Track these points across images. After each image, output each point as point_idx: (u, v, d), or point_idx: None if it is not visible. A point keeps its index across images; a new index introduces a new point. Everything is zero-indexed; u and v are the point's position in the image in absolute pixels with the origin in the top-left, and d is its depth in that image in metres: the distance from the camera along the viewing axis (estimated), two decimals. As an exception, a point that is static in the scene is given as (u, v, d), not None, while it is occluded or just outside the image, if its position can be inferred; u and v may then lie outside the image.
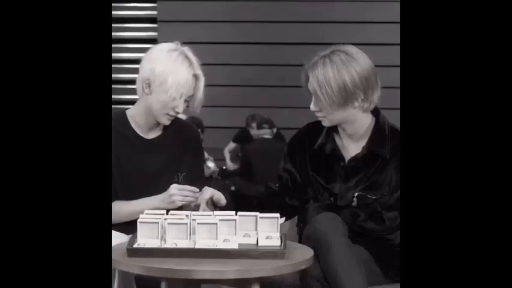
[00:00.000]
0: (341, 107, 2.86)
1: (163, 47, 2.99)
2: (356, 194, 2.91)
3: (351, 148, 2.96)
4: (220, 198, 2.88)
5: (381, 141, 2.91)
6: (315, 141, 2.99)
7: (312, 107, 2.92)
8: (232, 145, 7.83)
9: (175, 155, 3.04)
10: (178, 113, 2.98)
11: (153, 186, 2.95)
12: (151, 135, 3.03)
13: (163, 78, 2.90)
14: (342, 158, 2.96)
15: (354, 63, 2.85)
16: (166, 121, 2.99)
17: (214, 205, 2.87)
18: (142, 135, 3.02)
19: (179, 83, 2.91)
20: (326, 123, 2.94)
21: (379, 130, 2.94)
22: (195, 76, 2.95)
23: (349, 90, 2.83)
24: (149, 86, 2.93)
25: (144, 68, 2.96)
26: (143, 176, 2.97)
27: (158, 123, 3.01)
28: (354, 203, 2.90)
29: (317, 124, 3.01)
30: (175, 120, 3.04)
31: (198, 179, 3.08)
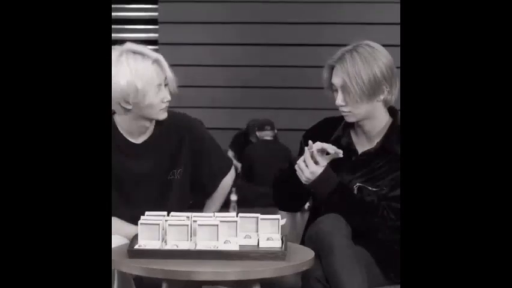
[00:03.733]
0: (370, 98, 2.90)
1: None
2: (357, 185, 2.92)
3: (365, 144, 2.99)
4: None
5: (395, 139, 2.92)
6: (330, 134, 3.01)
7: (338, 101, 2.93)
8: (230, 153, 7.78)
9: (169, 153, 2.99)
10: (168, 100, 2.91)
11: (146, 188, 2.95)
12: (141, 139, 2.98)
13: (132, 88, 2.82)
14: (355, 152, 2.98)
15: (380, 55, 2.91)
16: (164, 115, 2.93)
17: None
18: (132, 140, 2.97)
19: (147, 80, 2.84)
20: (351, 118, 2.95)
21: (395, 128, 2.96)
22: (155, 61, 2.88)
23: (378, 81, 2.88)
24: (128, 102, 2.86)
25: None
26: (136, 181, 2.95)
27: (147, 127, 2.96)
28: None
29: (334, 120, 3.05)
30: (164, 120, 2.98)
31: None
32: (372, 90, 2.88)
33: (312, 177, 2.85)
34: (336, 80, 2.92)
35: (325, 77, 2.96)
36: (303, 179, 2.87)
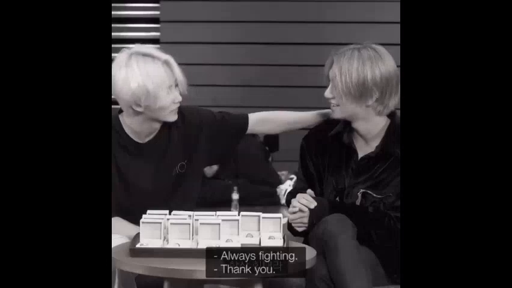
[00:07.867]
0: (355, 100, 2.89)
1: (119, 63, 2.84)
2: (361, 191, 2.93)
3: (365, 146, 2.99)
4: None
5: (394, 141, 2.92)
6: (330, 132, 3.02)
7: (326, 93, 2.95)
8: None
9: (173, 150, 2.99)
10: (179, 101, 2.91)
11: (151, 186, 2.95)
12: (146, 139, 2.98)
13: (143, 91, 2.81)
14: (355, 152, 2.98)
15: (380, 62, 2.89)
16: (174, 117, 2.93)
17: None
18: (137, 140, 2.96)
19: (157, 83, 2.82)
20: (337, 113, 2.96)
21: (393, 130, 2.96)
22: (165, 63, 2.86)
23: (367, 86, 2.87)
24: (139, 105, 2.85)
25: (122, 92, 2.84)
26: (143, 182, 2.95)
27: (156, 128, 2.96)
28: (358, 200, 2.92)
29: (335, 121, 3.04)
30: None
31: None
32: (358, 92, 2.87)
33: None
34: (330, 72, 2.94)
35: (326, 68, 2.97)
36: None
